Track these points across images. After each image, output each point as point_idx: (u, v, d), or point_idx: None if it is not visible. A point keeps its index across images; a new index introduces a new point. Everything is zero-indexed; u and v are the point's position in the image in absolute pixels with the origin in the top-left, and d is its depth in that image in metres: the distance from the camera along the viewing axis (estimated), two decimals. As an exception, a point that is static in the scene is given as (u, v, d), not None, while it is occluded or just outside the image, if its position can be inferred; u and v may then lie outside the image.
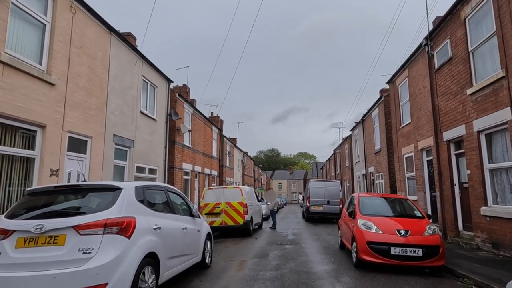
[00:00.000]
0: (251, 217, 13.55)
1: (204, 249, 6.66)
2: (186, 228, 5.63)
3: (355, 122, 25.80)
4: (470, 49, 8.67)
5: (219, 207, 12.83)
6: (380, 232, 6.44)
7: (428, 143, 11.46)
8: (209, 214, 12.85)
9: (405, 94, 13.96)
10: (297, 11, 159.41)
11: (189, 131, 16.50)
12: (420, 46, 11.75)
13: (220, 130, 26.24)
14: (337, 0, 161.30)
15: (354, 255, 6.84)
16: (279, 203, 43.70)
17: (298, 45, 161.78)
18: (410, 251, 6.08)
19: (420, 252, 6.07)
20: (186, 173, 17.13)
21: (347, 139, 30.20)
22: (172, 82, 14.86)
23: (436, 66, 10.64)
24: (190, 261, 5.87)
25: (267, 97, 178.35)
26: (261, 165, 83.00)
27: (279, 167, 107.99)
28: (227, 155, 28.25)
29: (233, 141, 36.84)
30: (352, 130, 27.31)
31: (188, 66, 19.74)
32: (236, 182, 32.33)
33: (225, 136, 28.13)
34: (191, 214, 6.30)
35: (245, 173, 39.71)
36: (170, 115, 14.49)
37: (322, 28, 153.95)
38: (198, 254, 6.30)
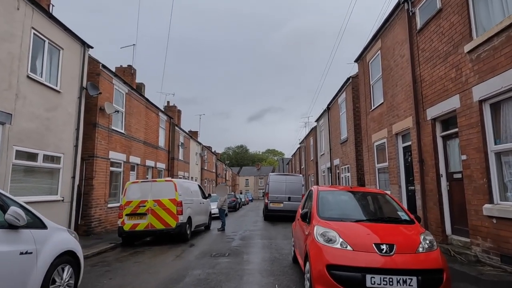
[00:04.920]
0: (189, 218, 10.75)
1: (51, 282, 3.73)
2: None
3: (320, 114, 23.53)
4: (469, -10, 6.39)
5: (144, 206, 9.92)
6: (349, 248, 3.87)
7: (406, 124, 9.23)
8: (132, 215, 9.93)
9: (377, 70, 11.71)
10: (279, 16, 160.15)
11: (116, 112, 13.26)
12: (397, 5, 9.46)
13: (171, 118, 22.97)
14: (318, 6, 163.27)
15: (307, 284, 4.22)
16: (244, 200, 41.06)
17: (278, 48, 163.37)
18: (398, 281, 3.56)
19: (414, 282, 3.56)
20: (116, 164, 13.90)
21: (312, 131, 28.07)
22: (92, 47, 11.57)
23: (419, 26, 8.37)
24: None
25: (244, 96, 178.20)
26: (229, 161, 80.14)
27: (247, 164, 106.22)
28: (180, 147, 25.03)
29: (193, 134, 33.58)
30: (317, 120, 25.09)
31: (134, 44, 16.51)
32: (192, 178, 29.23)
33: (177, 126, 24.89)
34: (7, 224, 3.33)
35: (205, 168, 36.54)
36: (86, 88, 11.25)
37: (302, 33, 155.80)
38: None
